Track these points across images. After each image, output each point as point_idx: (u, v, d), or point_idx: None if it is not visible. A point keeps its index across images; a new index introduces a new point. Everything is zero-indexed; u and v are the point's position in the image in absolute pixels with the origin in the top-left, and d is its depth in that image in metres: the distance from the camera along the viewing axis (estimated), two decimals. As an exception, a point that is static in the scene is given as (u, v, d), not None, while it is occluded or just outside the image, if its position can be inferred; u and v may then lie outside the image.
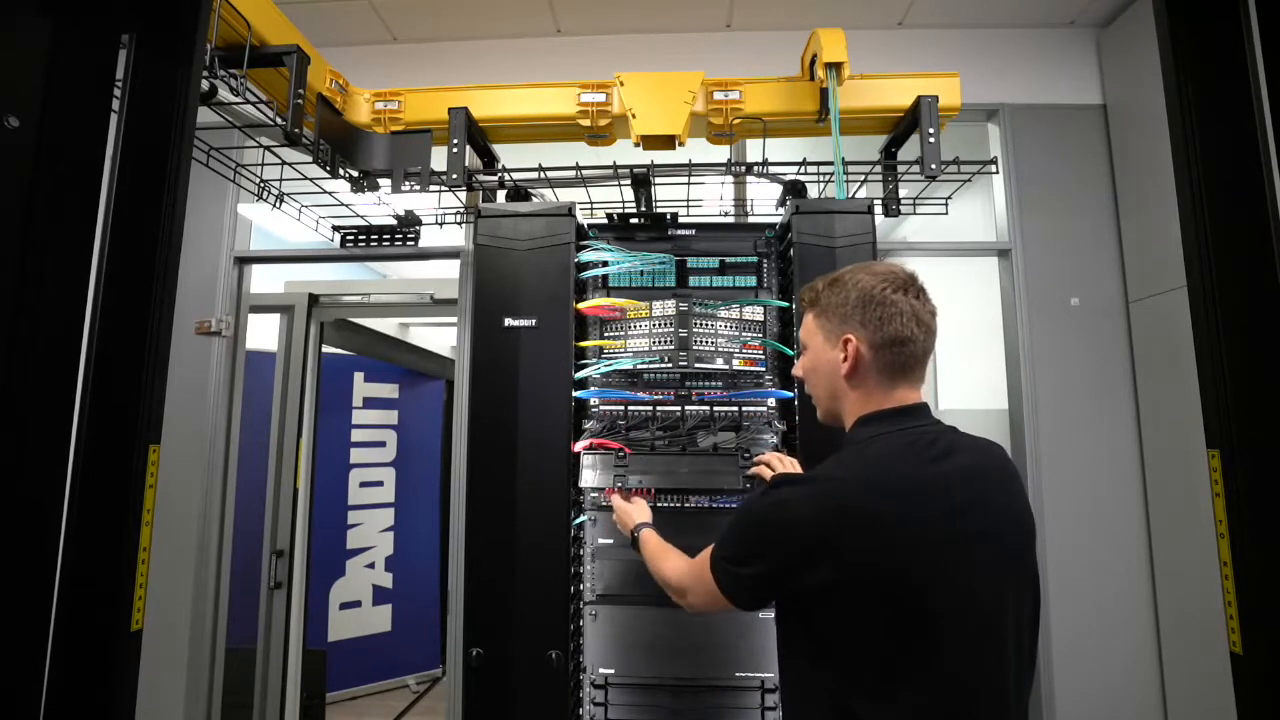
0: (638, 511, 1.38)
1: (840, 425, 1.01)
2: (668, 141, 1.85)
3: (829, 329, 0.98)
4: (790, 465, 1.40)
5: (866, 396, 0.95)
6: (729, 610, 0.97)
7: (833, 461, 0.92)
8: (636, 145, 1.88)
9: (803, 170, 1.87)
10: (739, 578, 0.92)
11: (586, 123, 1.90)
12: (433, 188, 1.92)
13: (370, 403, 4.00)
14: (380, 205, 2.24)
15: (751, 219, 2.41)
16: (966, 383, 3.23)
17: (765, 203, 2.24)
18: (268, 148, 1.82)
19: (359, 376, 3.95)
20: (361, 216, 2.37)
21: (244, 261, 2.58)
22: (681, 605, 1.07)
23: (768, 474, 1.34)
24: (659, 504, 1.55)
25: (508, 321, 1.54)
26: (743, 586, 0.92)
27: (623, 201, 2.03)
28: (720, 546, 0.96)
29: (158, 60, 1.02)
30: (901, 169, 1.93)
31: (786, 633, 0.94)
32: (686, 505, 1.55)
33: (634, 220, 1.73)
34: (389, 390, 4.08)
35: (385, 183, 1.96)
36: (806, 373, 1.04)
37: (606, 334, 1.63)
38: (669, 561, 1.15)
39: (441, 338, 4.49)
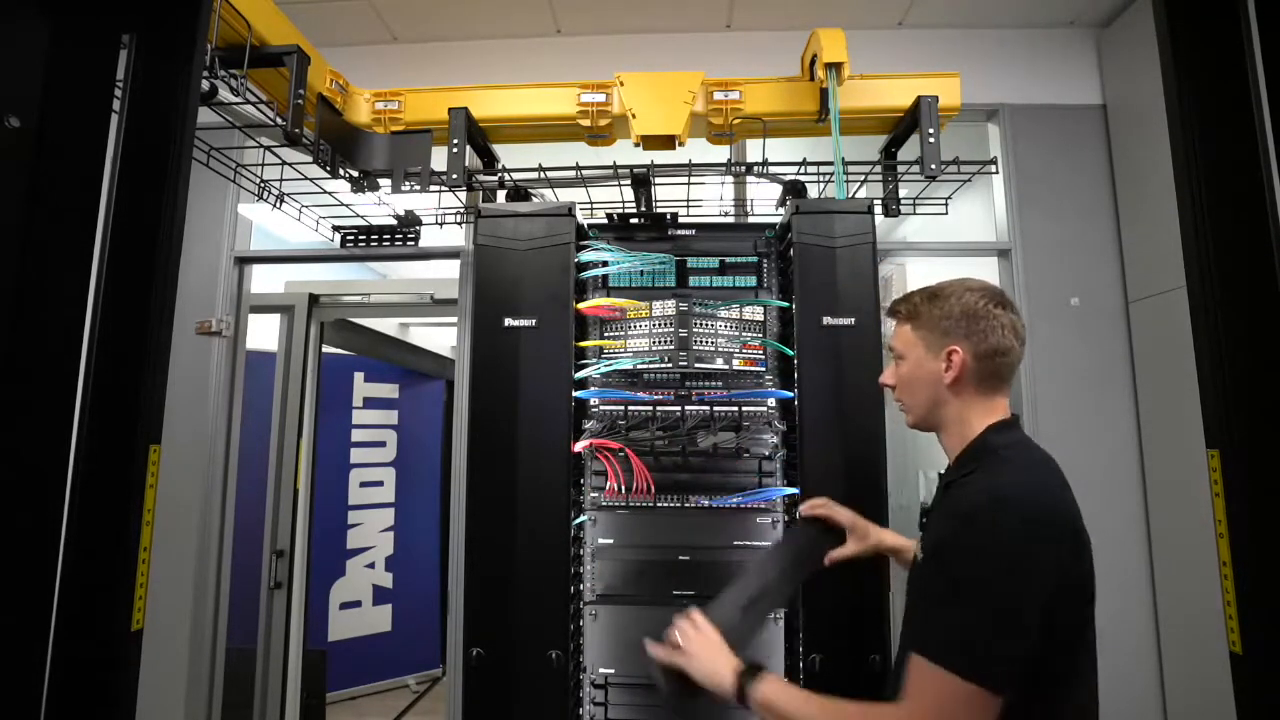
0: (721, 655, 0.97)
1: (933, 431, 1.06)
2: (668, 141, 1.85)
3: (931, 340, 1.02)
4: (838, 506, 1.27)
5: (968, 405, 1.00)
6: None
7: (1014, 462, 0.93)
8: (636, 145, 1.88)
9: (803, 170, 1.87)
10: (1003, 642, 0.75)
11: (586, 123, 1.90)
12: (433, 188, 1.92)
13: (370, 403, 4.00)
14: (380, 205, 2.24)
15: (751, 219, 2.41)
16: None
17: (765, 203, 2.24)
18: (268, 148, 1.82)
19: (359, 376, 3.95)
20: (361, 216, 2.37)
21: (244, 261, 2.58)
22: None
23: (834, 516, 1.25)
24: (659, 504, 1.55)
25: (508, 321, 1.54)
26: (1012, 652, 0.76)
27: (623, 201, 2.03)
28: (952, 628, 0.78)
29: (158, 60, 1.02)
30: (901, 169, 1.93)
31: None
32: (687, 505, 1.55)
33: (634, 220, 1.73)
34: (389, 390, 4.08)
35: (385, 183, 1.96)
36: (903, 382, 1.07)
37: (606, 334, 1.63)
38: (845, 710, 0.86)
39: (441, 338, 4.49)
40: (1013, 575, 0.78)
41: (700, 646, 0.98)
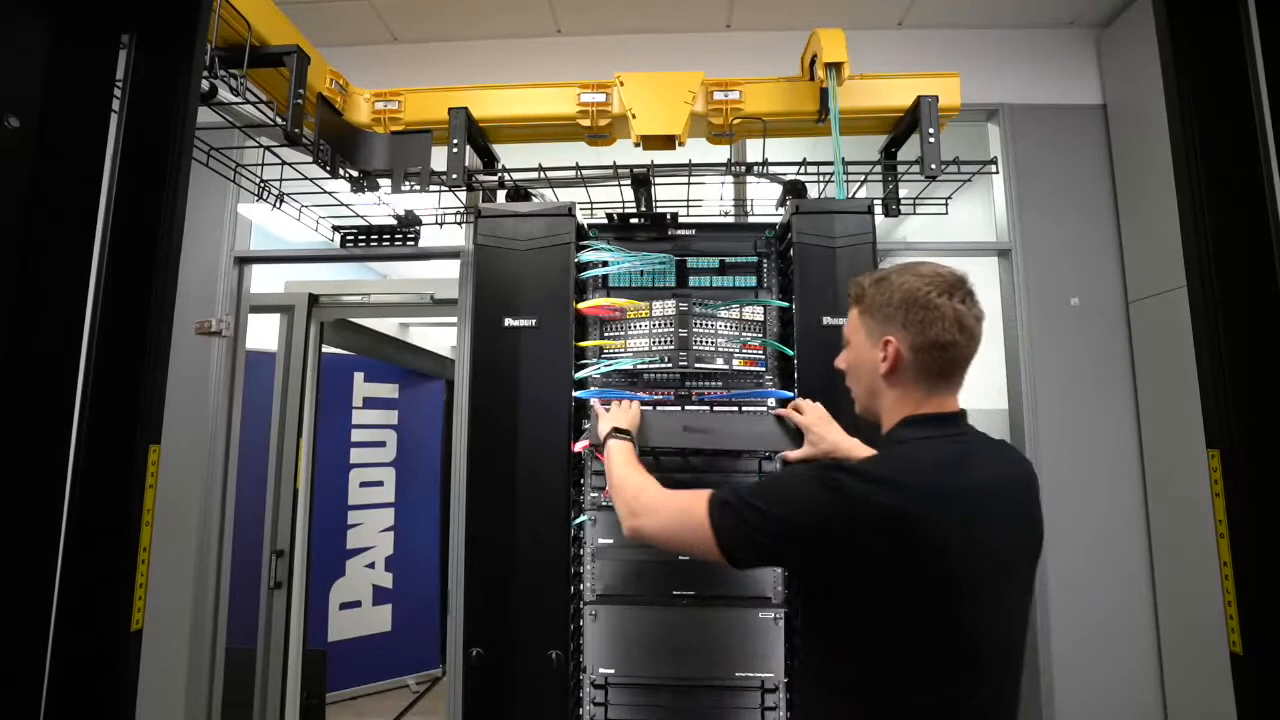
0: (617, 416, 1.29)
1: (876, 421, 1.01)
2: (668, 141, 1.85)
3: (871, 327, 0.98)
4: (815, 407, 1.38)
5: (904, 397, 0.96)
6: (693, 556, 0.97)
7: (881, 460, 0.92)
8: (636, 145, 1.88)
9: (803, 170, 1.87)
10: (754, 534, 0.88)
11: (586, 123, 1.90)
12: (433, 188, 1.92)
13: (370, 403, 4.00)
14: (380, 205, 2.24)
15: (751, 219, 2.41)
16: (967, 382, 3.23)
17: (765, 203, 2.24)
18: (268, 148, 1.82)
19: (359, 376, 3.95)
20: (361, 216, 2.37)
21: (244, 261, 2.58)
22: (624, 525, 1.02)
23: (796, 416, 1.38)
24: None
25: (508, 321, 1.54)
26: (753, 543, 0.89)
27: (623, 201, 2.03)
28: (737, 492, 0.91)
29: (158, 60, 1.02)
30: (901, 169, 1.93)
31: (815, 622, 0.96)
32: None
33: (634, 220, 1.73)
34: (389, 390, 4.08)
35: (385, 183, 1.96)
36: (848, 368, 1.05)
37: (606, 334, 1.63)
38: (639, 479, 1.07)
39: (441, 338, 4.49)
40: (785, 499, 0.88)
41: (615, 412, 1.29)
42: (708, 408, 1.56)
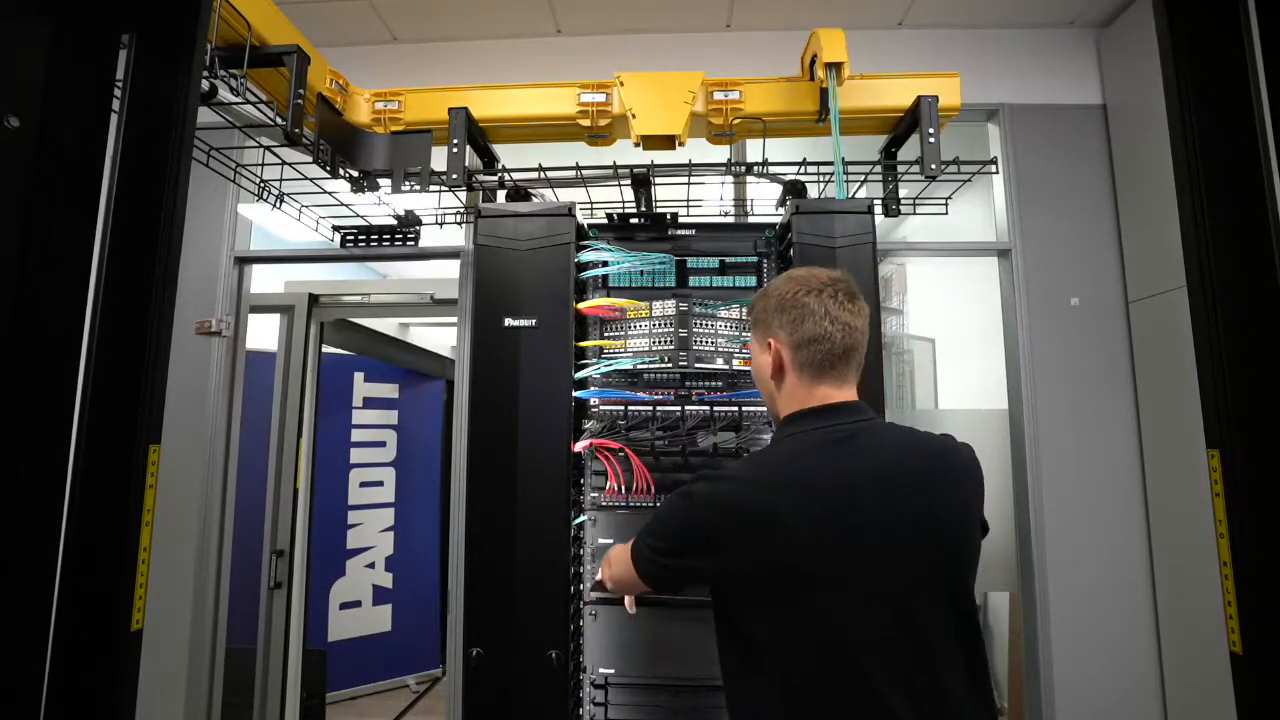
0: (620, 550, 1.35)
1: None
2: (668, 141, 1.85)
3: (758, 335, 1.06)
4: None
5: (792, 395, 1.01)
6: (644, 591, 1.09)
7: (747, 459, 1.02)
8: (636, 145, 1.88)
9: (803, 170, 1.87)
10: (651, 558, 1.01)
11: (586, 123, 1.90)
12: (433, 188, 1.92)
13: (370, 403, 4.00)
14: (380, 205, 2.24)
15: (751, 219, 2.41)
16: (966, 383, 3.24)
17: (765, 203, 2.24)
18: (268, 148, 1.82)
19: (359, 376, 3.95)
20: (361, 216, 2.37)
21: (244, 261, 2.58)
22: (605, 582, 1.16)
23: None
24: (659, 504, 1.55)
25: (508, 321, 1.54)
26: (653, 565, 1.01)
27: (623, 201, 2.03)
28: (645, 528, 1.04)
29: (158, 60, 1.02)
30: (901, 169, 1.93)
31: (718, 627, 1.02)
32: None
33: (634, 220, 1.73)
34: (389, 390, 4.08)
35: (385, 183, 1.96)
36: (754, 377, 1.12)
37: (606, 334, 1.63)
38: (620, 546, 1.18)
39: (441, 338, 4.49)
40: (663, 521, 1.01)
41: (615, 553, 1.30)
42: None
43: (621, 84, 1.86)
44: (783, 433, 1.00)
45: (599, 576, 1.19)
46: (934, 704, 0.85)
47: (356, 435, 3.92)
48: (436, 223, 2.29)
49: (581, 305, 1.59)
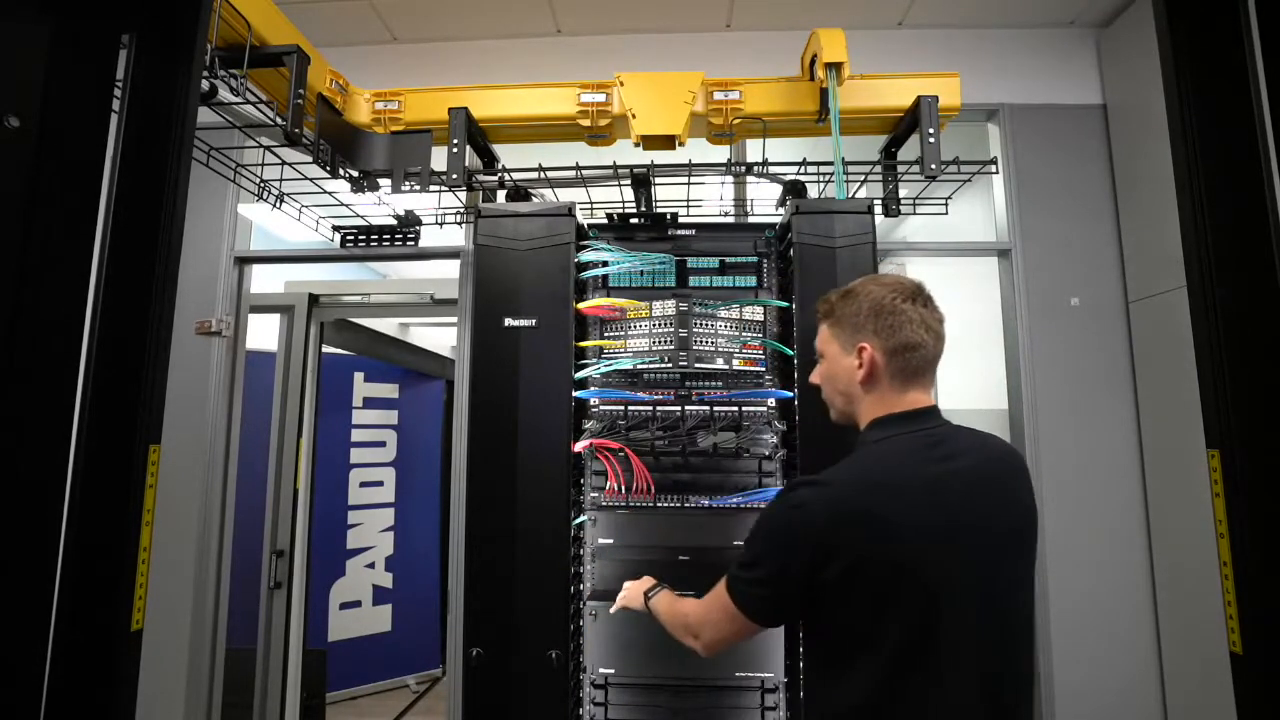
0: (640, 583, 1.33)
1: (855, 426, 1.07)
2: (668, 141, 1.85)
3: (844, 338, 1.04)
4: None
5: (880, 400, 1.02)
6: (747, 637, 1.03)
7: (846, 462, 0.98)
8: (636, 145, 1.88)
9: (803, 170, 1.87)
10: (759, 594, 0.96)
11: (586, 123, 1.90)
12: (433, 188, 1.92)
13: (370, 403, 4.00)
14: (380, 205, 2.24)
15: (751, 219, 2.41)
16: (967, 383, 3.23)
17: (765, 203, 2.24)
18: (268, 148, 1.82)
19: (359, 376, 3.95)
20: (361, 216, 2.37)
21: (244, 261, 2.58)
22: (699, 652, 1.08)
23: None
24: (659, 504, 1.55)
25: (508, 321, 1.54)
26: (762, 594, 0.96)
27: (623, 201, 2.03)
28: (738, 562, 0.99)
29: (158, 60, 1.01)
30: (901, 169, 1.93)
31: (812, 641, 1.01)
32: (687, 505, 1.55)
33: (634, 220, 1.73)
34: (389, 390, 4.08)
35: (385, 183, 1.96)
36: (824, 379, 1.11)
37: (606, 334, 1.63)
38: (685, 605, 1.14)
39: (441, 338, 4.49)
40: (767, 539, 0.96)
41: (633, 586, 1.32)
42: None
43: (621, 84, 1.86)
44: (874, 435, 1.01)
45: (690, 641, 1.09)
46: (1014, 690, 0.92)
47: (356, 435, 3.92)
48: (436, 223, 2.29)
49: (581, 305, 1.59)
